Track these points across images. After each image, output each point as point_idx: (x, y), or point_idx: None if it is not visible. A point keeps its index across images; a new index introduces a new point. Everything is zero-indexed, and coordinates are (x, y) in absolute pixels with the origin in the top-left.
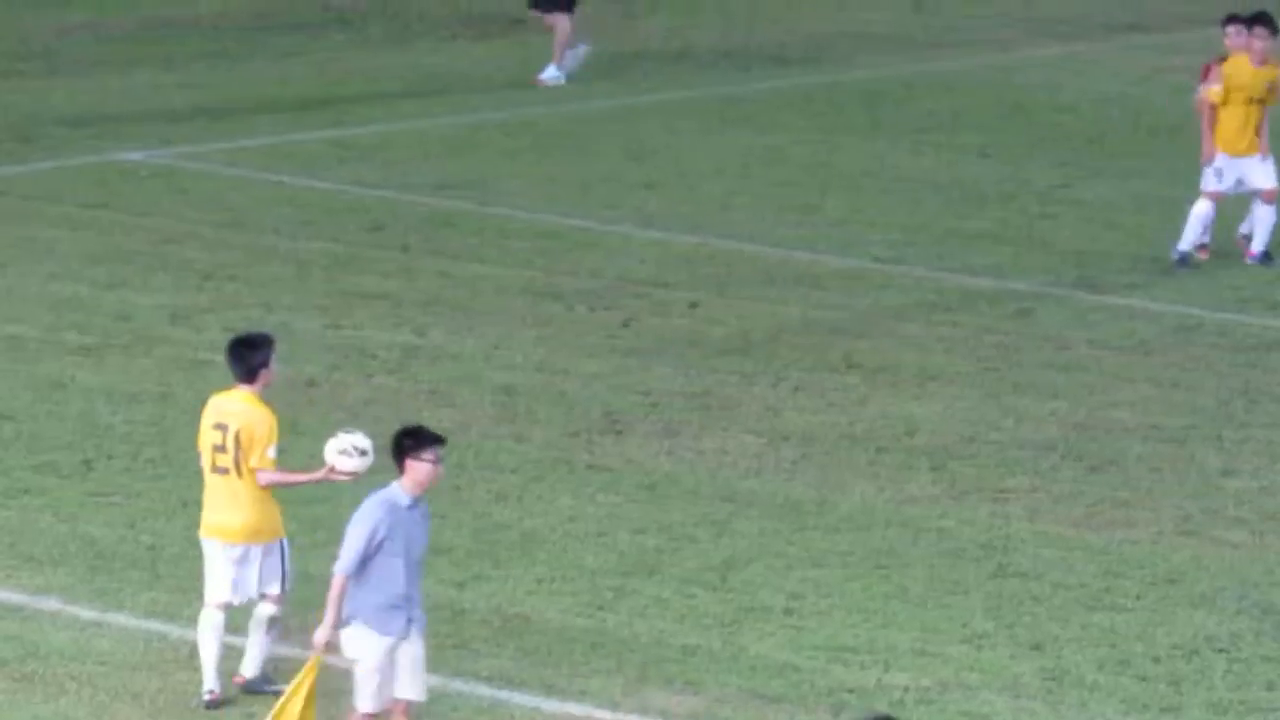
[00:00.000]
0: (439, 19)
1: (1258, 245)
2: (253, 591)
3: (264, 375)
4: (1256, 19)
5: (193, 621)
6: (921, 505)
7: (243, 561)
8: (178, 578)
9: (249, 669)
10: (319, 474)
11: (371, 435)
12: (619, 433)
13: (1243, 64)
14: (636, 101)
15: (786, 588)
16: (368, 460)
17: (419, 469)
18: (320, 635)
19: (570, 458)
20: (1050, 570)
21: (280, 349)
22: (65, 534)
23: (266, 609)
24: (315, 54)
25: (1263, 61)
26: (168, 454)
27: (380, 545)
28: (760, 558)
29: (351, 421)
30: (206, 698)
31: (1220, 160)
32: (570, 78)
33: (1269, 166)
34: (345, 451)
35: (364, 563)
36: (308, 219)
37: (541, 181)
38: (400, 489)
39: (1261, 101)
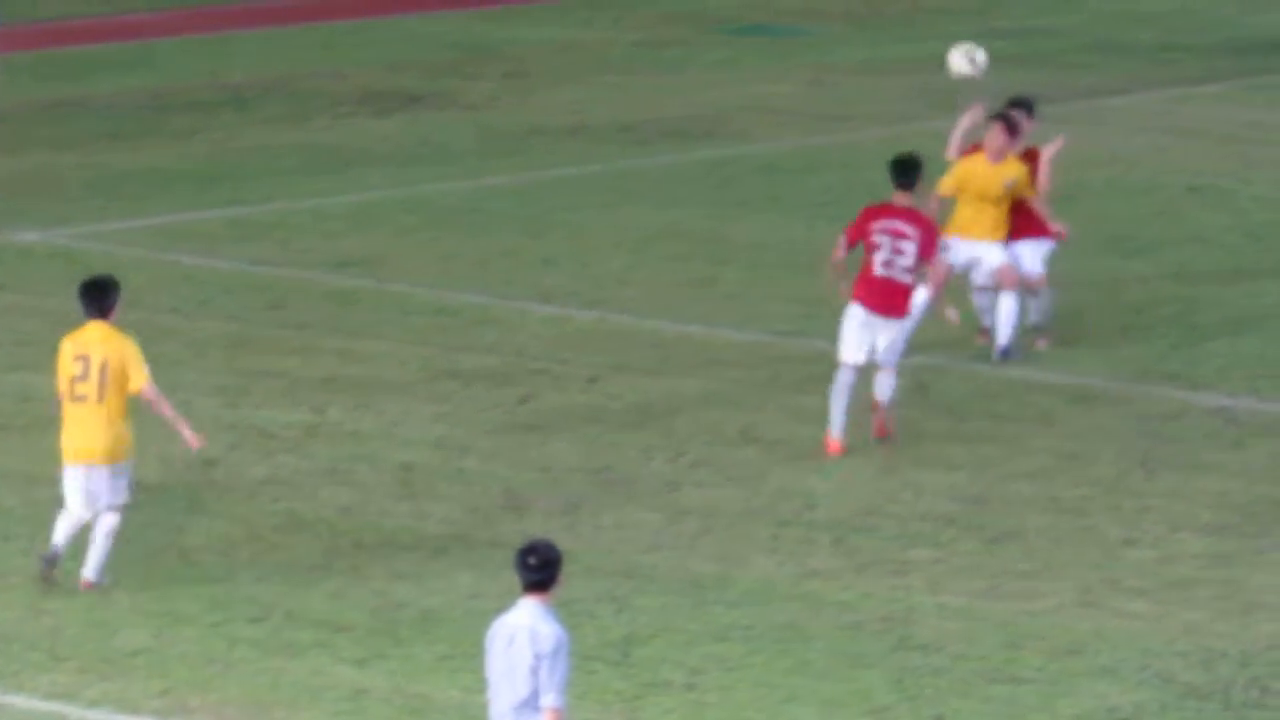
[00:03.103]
0: (335, 96)
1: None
2: (103, 505)
3: (114, 312)
4: (999, 116)
5: (94, 703)
6: (823, 579)
7: (99, 479)
8: (79, 659)
9: (92, 573)
10: (184, 428)
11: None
12: (518, 509)
13: (979, 161)
14: (534, 177)
15: (688, 663)
16: (978, 70)
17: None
18: None
19: (470, 535)
20: (952, 642)
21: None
22: None
23: (111, 519)
24: (211, 132)
25: (999, 157)
26: None
27: None
28: (661, 633)
29: (250, 501)
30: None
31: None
32: None
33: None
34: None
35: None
36: (205, 298)
37: (440, 258)
38: (547, 605)
39: (1001, 200)
